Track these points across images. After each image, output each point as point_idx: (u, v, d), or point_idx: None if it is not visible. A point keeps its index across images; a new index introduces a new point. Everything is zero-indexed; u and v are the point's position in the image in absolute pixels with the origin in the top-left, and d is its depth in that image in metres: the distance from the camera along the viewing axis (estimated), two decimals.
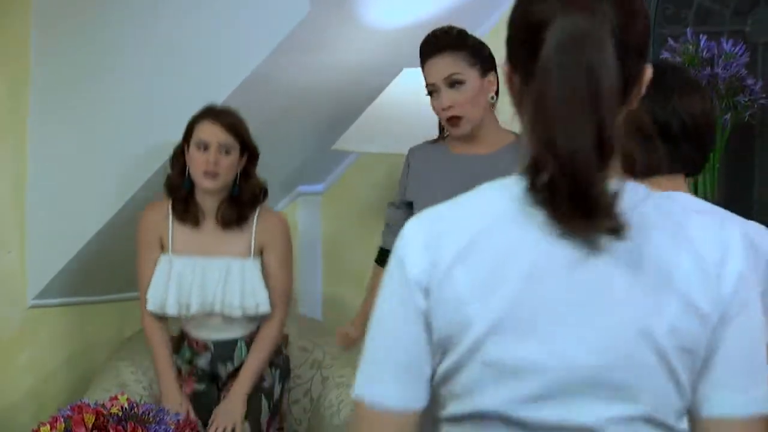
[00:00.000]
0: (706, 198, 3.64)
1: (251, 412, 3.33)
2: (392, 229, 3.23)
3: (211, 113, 3.25)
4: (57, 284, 3.82)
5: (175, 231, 3.30)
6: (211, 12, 3.33)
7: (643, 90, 1.36)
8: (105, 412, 2.36)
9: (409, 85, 3.73)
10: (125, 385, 3.57)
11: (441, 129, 3.23)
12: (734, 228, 1.36)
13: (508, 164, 2.94)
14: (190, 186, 3.28)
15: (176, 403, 3.27)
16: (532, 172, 1.31)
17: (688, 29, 3.71)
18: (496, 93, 3.11)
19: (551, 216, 1.30)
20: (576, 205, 1.26)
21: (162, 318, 3.38)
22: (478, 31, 4.17)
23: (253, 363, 3.34)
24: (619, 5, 1.31)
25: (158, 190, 3.47)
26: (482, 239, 1.33)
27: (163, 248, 3.32)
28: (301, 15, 3.40)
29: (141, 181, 3.53)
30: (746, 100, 3.58)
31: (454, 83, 3.04)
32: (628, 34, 1.30)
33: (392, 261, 1.39)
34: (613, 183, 1.27)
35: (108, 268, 3.88)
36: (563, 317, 1.30)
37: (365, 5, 3.66)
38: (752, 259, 1.35)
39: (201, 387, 3.40)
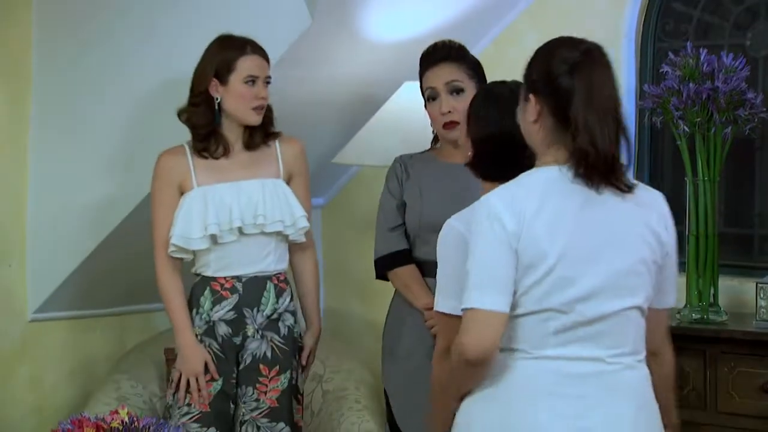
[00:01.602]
0: (706, 210, 3.64)
1: (286, 413, 3.26)
2: (397, 231, 3.28)
3: (252, 46, 3.17)
4: (58, 298, 3.81)
5: (197, 168, 3.19)
6: (212, 24, 3.34)
7: None
8: (105, 426, 2.35)
9: (410, 99, 3.73)
10: (126, 399, 3.56)
11: (434, 140, 3.35)
12: (663, 198, 2.34)
13: None
14: (220, 120, 3.19)
15: (195, 355, 3.16)
16: (576, 160, 2.18)
17: (688, 43, 3.72)
18: None
19: (589, 186, 2.19)
20: (606, 177, 2.19)
21: (178, 269, 3.24)
22: (475, 49, 4.18)
23: (314, 300, 3.35)
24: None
25: None
26: (546, 203, 2.17)
27: (183, 189, 3.20)
28: (303, 28, 3.41)
29: (143, 194, 3.53)
30: (746, 113, 3.59)
31: (454, 90, 3.21)
32: None
33: (487, 219, 2.17)
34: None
35: (109, 282, 3.88)
36: (599, 249, 2.18)
37: (366, 19, 3.67)
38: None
39: (217, 385, 3.20)
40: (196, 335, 3.20)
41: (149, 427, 2.38)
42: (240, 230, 3.18)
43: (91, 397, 3.66)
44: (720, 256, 3.67)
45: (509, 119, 2.44)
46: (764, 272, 3.65)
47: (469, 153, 2.57)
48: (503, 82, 2.66)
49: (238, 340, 3.23)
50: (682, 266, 3.75)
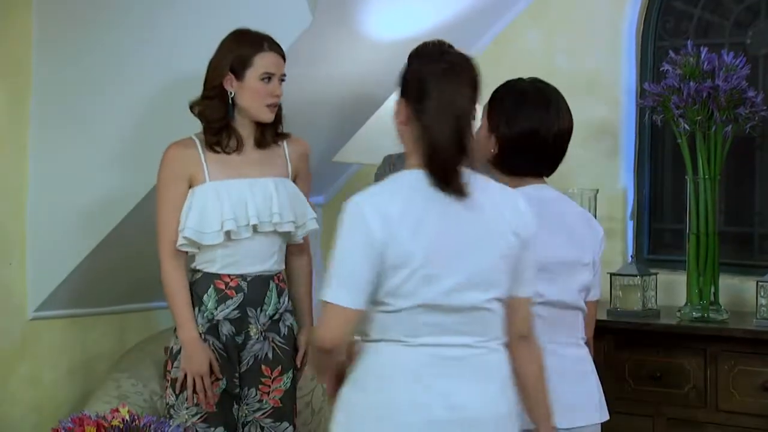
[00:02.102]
0: (706, 209, 3.64)
1: (289, 413, 3.26)
2: None
3: (270, 43, 3.15)
4: (58, 296, 3.81)
5: (209, 162, 3.14)
6: (213, 24, 3.34)
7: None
8: (106, 425, 2.35)
9: None
10: (126, 397, 3.56)
11: None
12: (519, 197, 2.46)
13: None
14: (234, 115, 3.15)
15: (200, 354, 3.10)
16: (429, 167, 2.34)
17: (688, 41, 3.72)
18: None
19: (443, 191, 2.33)
20: (445, 183, 2.33)
21: (183, 264, 3.18)
22: (475, 47, 4.19)
23: (307, 296, 3.32)
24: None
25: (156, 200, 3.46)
26: (409, 207, 2.32)
27: (192, 183, 3.14)
28: (303, 26, 3.41)
29: (144, 192, 3.53)
30: (747, 112, 3.59)
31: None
32: None
33: (354, 220, 2.32)
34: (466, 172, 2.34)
35: (109, 280, 3.88)
36: (461, 248, 2.34)
37: (367, 18, 3.67)
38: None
39: (222, 384, 3.17)
40: (200, 334, 3.15)
41: (150, 426, 2.38)
42: (254, 228, 3.15)
43: (91, 396, 3.66)
44: (720, 255, 3.68)
45: (536, 115, 2.58)
46: (764, 270, 3.64)
47: (492, 150, 2.63)
48: (522, 79, 2.69)
49: (240, 339, 3.19)
50: (682, 265, 3.78)
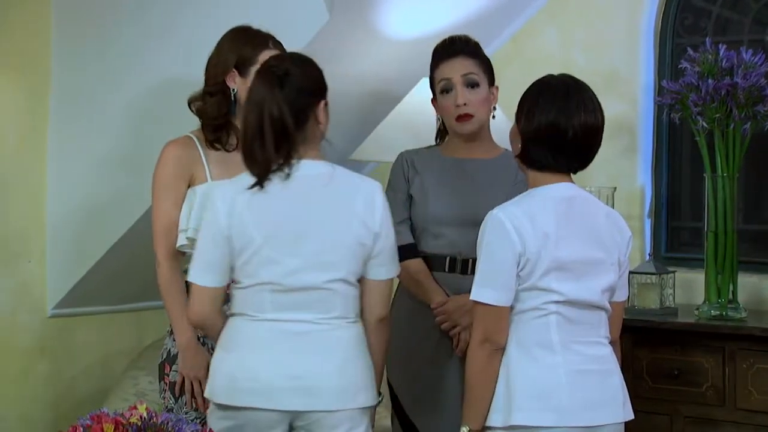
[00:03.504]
0: (725, 207, 3.63)
1: None
2: (404, 225, 3.28)
3: (274, 42, 3.10)
4: (77, 294, 3.83)
5: (210, 160, 3.07)
6: (231, 21, 3.34)
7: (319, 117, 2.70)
8: (124, 422, 2.36)
9: (427, 95, 3.73)
10: (144, 395, 3.57)
11: (438, 136, 3.37)
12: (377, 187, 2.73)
13: (507, 170, 3.05)
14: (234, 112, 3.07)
15: (198, 357, 3.02)
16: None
17: (707, 39, 3.70)
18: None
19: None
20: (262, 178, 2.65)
21: (179, 265, 3.10)
22: (492, 45, 4.18)
23: None
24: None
25: None
26: (255, 196, 2.63)
27: (192, 183, 3.07)
28: (321, 24, 3.41)
29: None
30: (766, 109, 3.57)
31: (470, 83, 3.21)
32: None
33: (208, 210, 2.68)
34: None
35: (127, 278, 3.89)
36: (302, 232, 2.63)
37: (384, 16, 3.67)
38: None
39: None
40: (198, 337, 3.06)
41: (168, 423, 2.38)
42: None
43: (109, 393, 3.68)
44: (739, 253, 3.66)
45: (554, 107, 2.59)
46: None
47: (519, 145, 2.65)
48: (553, 76, 2.71)
49: None
50: (700, 263, 3.77)
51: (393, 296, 3.42)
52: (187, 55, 3.53)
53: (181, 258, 3.09)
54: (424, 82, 3.81)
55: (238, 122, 3.06)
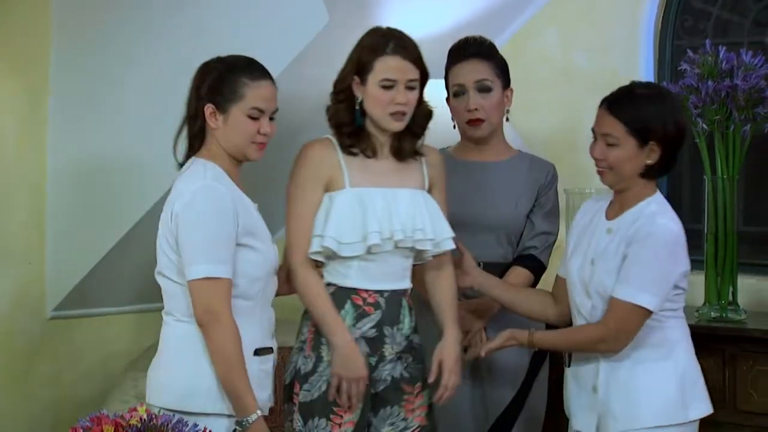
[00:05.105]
0: (725, 209, 3.62)
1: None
2: None
3: (398, 45, 2.87)
4: (76, 295, 3.83)
5: (349, 166, 2.88)
6: (230, 22, 3.35)
7: None
8: (124, 424, 2.35)
9: (431, 96, 3.72)
10: (143, 397, 3.56)
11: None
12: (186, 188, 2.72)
13: (518, 172, 3.05)
14: (363, 121, 2.89)
15: (357, 355, 2.83)
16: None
17: (707, 41, 3.70)
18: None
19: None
20: None
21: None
22: None
23: (454, 301, 3.00)
24: None
25: None
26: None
27: (329, 188, 2.89)
28: (321, 25, 3.41)
29: (161, 192, 3.54)
30: (766, 111, 3.57)
31: (483, 89, 3.21)
32: None
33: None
34: None
35: (127, 280, 3.89)
36: None
37: (384, 17, 3.67)
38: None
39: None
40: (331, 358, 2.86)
41: (167, 425, 2.38)
42: (396, 243, 2.88)
43: (109, 395, 3.67)
44: (739, 255, 3.66)
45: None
46: None
47: (655, 155, 2.74)
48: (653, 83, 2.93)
49: (373, 360, 2.90)
50: (700, 265, 3.77)
51: None
52: (187, 56, 3.51)
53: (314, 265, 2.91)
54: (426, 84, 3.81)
55: (371, 130, 2.91)
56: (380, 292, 2.90)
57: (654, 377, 2.75)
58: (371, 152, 2.91)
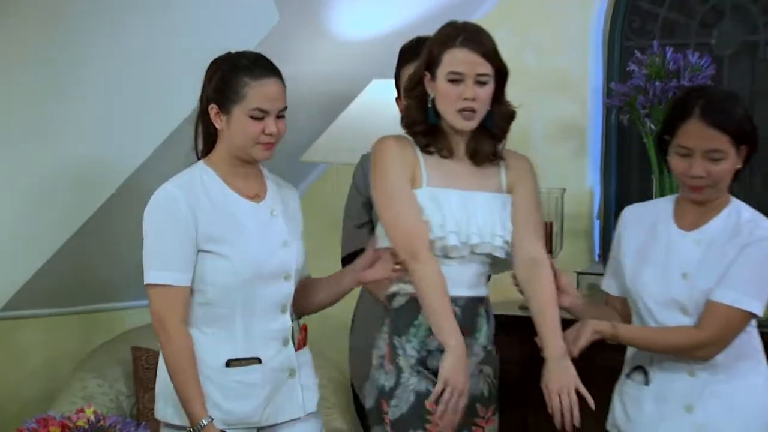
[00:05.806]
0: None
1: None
2: (364, 228, 3.27)
3: (467, 38, 2.71)
4: (22, 296, 3.79)
5: (427, 164, 2.73)
6: (179, 23, 3.32)
7: None
8: (71, 425, 2.34)
9: (378, 96, 3.73)
10: (91, 398, 3.54)
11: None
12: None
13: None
14: (436, 119, 2.74)
15: (465, 360, 2.64)
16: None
17: (654, 41, 3.74)
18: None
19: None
20: None
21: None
22: None
23: (552, 307, 2.73)
24: None
25: (120, 202, 3.44)
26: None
27: (411, 183, 2.72)
28: (270, 25, 3.40)
29: (107, 193, 3.52)
30: None
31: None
32: None
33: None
34: None
35: (74, 281, 3.86)
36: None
37: (335, 16, 3.66)
38: None
39: None
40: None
41: (116, 426, 2.37)
42: (472, 247, 2.73)
43: (56, 396, 3.64)
44: None
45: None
46: None
47: (742, 157, 2.65)
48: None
49: None
50: None
51: (357, 301, 3.43)
52: (139, 58, 3.49)
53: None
54: (375, 83, 3.81)
55: (446, 130, 2.76)
56: (454, 300, 2.70)
57: (755, 393, 2.63)
58: (447, 152, 2.75)
